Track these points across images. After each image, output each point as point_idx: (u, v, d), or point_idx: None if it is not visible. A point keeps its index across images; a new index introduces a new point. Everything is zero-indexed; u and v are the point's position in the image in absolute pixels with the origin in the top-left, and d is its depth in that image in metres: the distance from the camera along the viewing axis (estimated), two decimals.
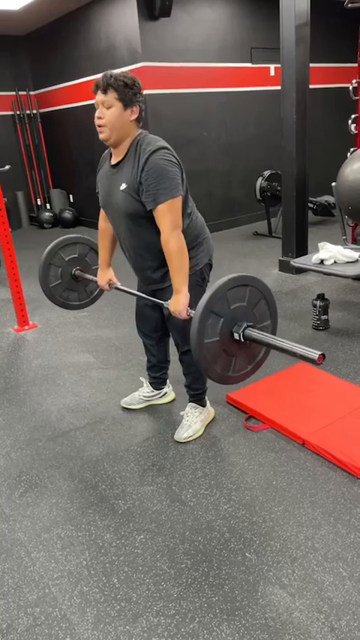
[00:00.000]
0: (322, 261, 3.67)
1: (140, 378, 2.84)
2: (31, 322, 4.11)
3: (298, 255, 4.70)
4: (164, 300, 2.19)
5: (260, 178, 6.25)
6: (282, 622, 1.58)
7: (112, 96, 1.99)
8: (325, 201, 6.76)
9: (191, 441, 2.49)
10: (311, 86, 4.72)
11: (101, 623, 1.63)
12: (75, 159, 7.64)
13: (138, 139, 2.07)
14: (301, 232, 4.97)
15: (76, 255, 2.70)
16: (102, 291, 2.69)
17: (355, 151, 4.16)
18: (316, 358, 1.58)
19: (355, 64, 4.59)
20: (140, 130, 2.11)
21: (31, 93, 8.08)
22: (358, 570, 1.74)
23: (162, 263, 2.15)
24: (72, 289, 2.76)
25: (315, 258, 3.70)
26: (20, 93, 7.97)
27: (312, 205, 6.70)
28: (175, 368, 2.71)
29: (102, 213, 2.39)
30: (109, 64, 6.34)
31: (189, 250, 2.20)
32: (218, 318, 1.73)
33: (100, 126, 2.04)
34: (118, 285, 2.49)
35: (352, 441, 2.32)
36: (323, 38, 6.62)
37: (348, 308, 4.02)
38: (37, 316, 4.22)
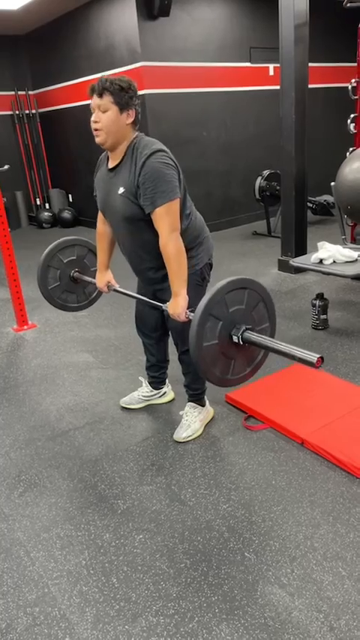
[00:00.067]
0: (321, 261, 3.67)
1: (139, 378, 2.84)
2: (30, 322, 4.11)
3: (297, 255, 4.70)
4: (165, 300, 2.20)
5: (259, 178, 6.25)
6: (281, 621, 1.58)
7: (107, 100, 1.99)
8: (325, 200, 6.76)
9: (190, 440, 2.49)
10: (310, 86, 4.72)
11: (100, 623, 1.63)
12: (74, 159, 7.64)
13: (134, 142, 2.07)
14: (300, 232, 4.97)
15: (75, 257, 2.70)
16: (100, 293, 2.69)
17: (354, 150, 4.16)
18: (314, 361, 1.58)
19: (354, 64, 4.59)
20: (136, 133, 2.10)
21: (30, 93, 8.08)
22: (358, 570, 1.74)
23: (162, 264, 2.15)
24: (70, 291, 2.76)
25: (314, 257, 3.70)
26: (19, 93, 7.97)
27: (311, 205, 6.70)
28: (174, 367, 2.71)
29: (100, 216, 2.39)
30: (109, 63, 6.34)
31: (189, 250, 2.21)
32: (217, 321, 1.74)
33: (96, 130, 2.04)
34: (117, 287, 2.49)
35: (351, 441, 2.32)
36: (322, 38, 6.62)
37: (347, 307, 4.02)
38: (36, 316, 4.22)
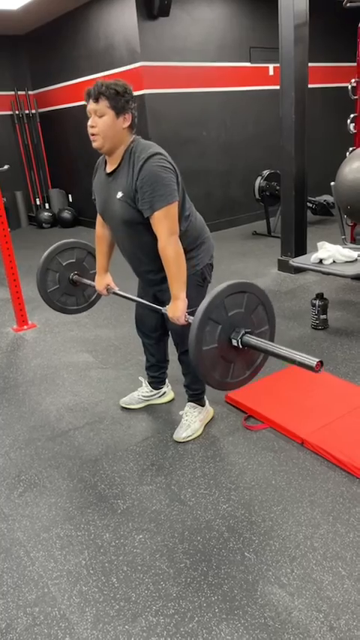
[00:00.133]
0: (320, 261, 3.67)
1: (139, 378, 2.84)
2: (30, 322, 4.11)
3: (297, 255, 4.70)
4: (165, 300, 2.20)
5: (259, 178, 6.25)
6: (281, 621, 1.58)
7: (103, 104, 1.99)
8: (324, 200, 6.76)
9: (190, 440, 2.49)
10: (310, 85, 4.72)
11: (100, 623, 1.63)
12: (74, 159, 7.64)
13: (132, 146, 2.07)
14: (300, 232, 4.97)
15: (74, 260, 2.70)
16: (100, 295, 2.69)
17: (353, 150, 4.16)
18: (314, 365, 1.58)
19: (354, 64, 4.59)
20: (133, 137, 2.10)
21: (30, 93, 8.08)
22: (357, 569, 1.74)
23: (161, 266, 2.14)
24: (70, 294, 2.76)
25: (314, 257, 3.70)
26: (19, 93, 7.97)
27: (311, 205, 6.70)
28: (174, 367, 2.71)
29: (99, 219, 2.40)
30: (108, 63, 6.34)
31: (190, 251, 2.21)
32: (216, 325, 1.74)
33: (93, 134, 2.04)
34: (116, 290, 2.49)
35: (351, 441, 2.32)
36: (322, 38, 6.62)
37: (347, 307, 4.02)
38: (36, 316, 4.22)
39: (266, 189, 6.20)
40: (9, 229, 3.87)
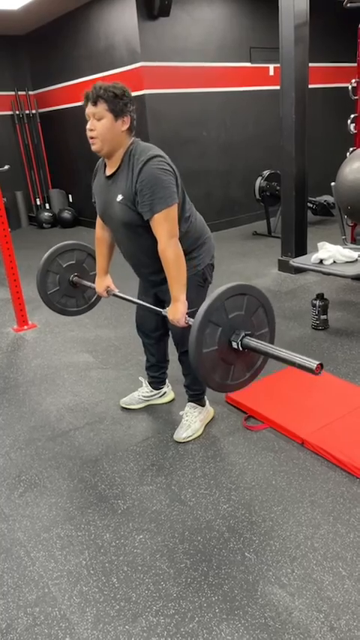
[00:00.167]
0: (321, 261, 3.67)
1: (139, 378, 2.84)
2: (30, 322, 4.11)
3: (298, 255, 4.70)
4: (166, 300, 2.20)
5: (259, 178, 6.25)
6: (281, 621, 1.58)
7: (102, 107, 1.99)
8: (325, 200, 6.76)
9: (190, 440, 2.49)
10: (310, 86, 4.72)
11: (101, 623, 1.63)
12: (74, 159, 7.64)
13: (131, 148, 2.07)
14: (300, 232, 4.97)
15: (74, 262, 2.70)
16: (99, 297, 2.69)
17: (354, 150, 4.16)
18: (314, 368, 1.58)
19: (354, 64, 4.59)
20: (132, 139, 2.10)
21: (31, 93, 8.08)
22: (358, 570, 1.74)
23: (162, 267, 2.14)
24: (70, 296, 2.76)
25: (314, 257, 3.70)
26: (19, 93, 7.97)
27: (311, 205, 6.70)
28: (174, 368, 2.71)
29: (98, 221, 2.40)
30: (109, 63, 6.34)
31: (191, 251, 2.22)
32: (216, 327, 1.74)
33: (91, 138, 2.05)
34: (116, 292, 2.49)
35: (352, 441, 2.32)
36: (322, 38, 6.62)
37: (347, 308, 4.02)
38: (36, 316, 4.22)
39: (266, 189, 6.20)
40: (9, 229, 3.88)
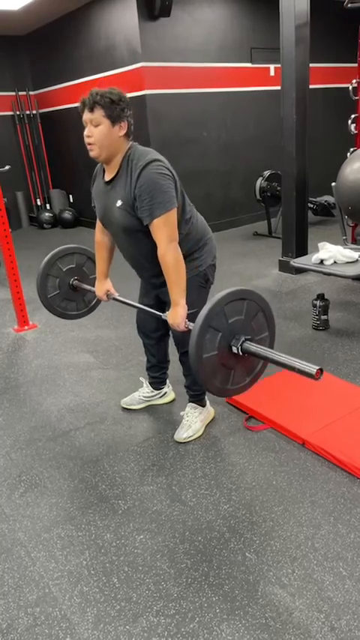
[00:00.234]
0: (321, 262, 3.67)
1: (140, 379, 2.84)
2: (31, 322, 4.12)
3: (298, 256, 4.70)
4: (168, 300, 2.20)
5: (260, 178, 6.25)
6: (282, 622, 1.58)
7: (99, 113, 1.99)
8: (325, 201, 6.76)
9: (191, 441, 2.49)
10: (311, 86, 4.72)
11: (101, 623, 1.63)
12: (75, 159, 7.64)
13: (129, 153, 2.07)
14: (301, 232, 4.97)
15: (74, 266, 2.70)
16: (99, 300, 2.70)
17: (354, 150, 4.16)
18: (313, 373, 1.58)
19: (355, 64, 4.59)
20: (130, 144, 2.10)
21: (31, 93, 8.09)
22: (358, 570, 1.74)
23: (162, 270, 2.15)
24: (70, 299, 2.76)
25: (315, 258, 3.70)
26: (20, 93, 7.97)
27: (312, 205, 6.70)
28: (174, 368, 2.72)
29: (98, 225, 2.40)
30: (109, 64, 6.35)
31: (193, 252, 2.22)
32: (216, 332, 1.74)
33: (89, 144, 2.05)
34: (116, 295, 2.49)
35: (352, 441, 2.32)
36: (323, 38, 6.62)
37: (348, 308, 4.02)
38: (37, 316, 4.22)
39: (267, 189, 6.20)
40: (10, 230, 3.88)
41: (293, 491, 2.12)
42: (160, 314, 2.20)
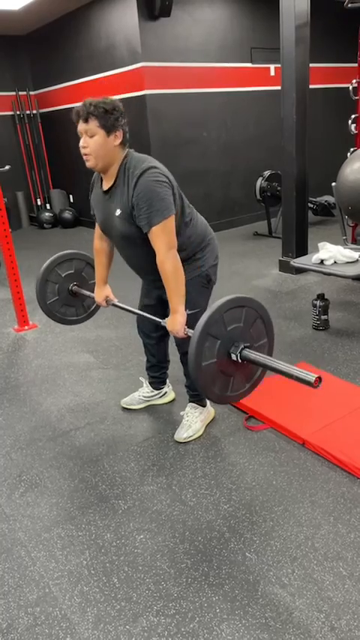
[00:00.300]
0: (322, 262, 3.67)
1: (140, 378, 2.84)
2: (31, 322, 4.12)
3: (298, 255, 4.70)
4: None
5: (260, 178, 6.25)
6: (282, 621, 1.58)
7: (93, 124, 1.99)
8: (325, 201, 6.76)
9: (191, 440, 2.49)
10: (311, 86, 4.72)
11: (101, 623, 1.63)
12: (75, 159, 7.57)
13: (125, 162, 2.07)
14: (301, 232, 4.97)
15: (73, 271, 2.70)
16: (99, 306, 2.70)
17: (355, 150, 4.16)
18: (312, 381, 1.59)
19: (355, 64, 4.60)
20: (126, 151, 2.10)
21: (31, 93, 8.09)
22: (358, 570, 1.74)
23: None
24: (69, 305, 2.76)
25: (315, 258, 3.70)
26: (20, 93, 7.97)
27: (312, 205, 6.70)
28: (175, 368, 2.72)
29: (97, 231, 2.40)
30: (109, 63, 6.35)
31: (195, 253, 2.22)
32: (215, 340, 1.74)
33: (85, 155, 2.06)
34: (115, 301, 2.49)
35: (352, 441, 2.32)
36: (323, 38, 6.62)
37: (348, 308, 4.02)
38: (37, 316, 4.22)
39: (267, 189, 6.20)
40: (10, 229, 3.88)
41: (293, 491, 2.12)
42: (160, 320, 2.21)
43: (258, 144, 7.01)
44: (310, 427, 2.45)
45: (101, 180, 2.18)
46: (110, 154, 2.05)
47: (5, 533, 2.02)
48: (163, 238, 2.02)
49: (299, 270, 4.69)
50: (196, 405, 2.56)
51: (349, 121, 4.49)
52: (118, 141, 2.04)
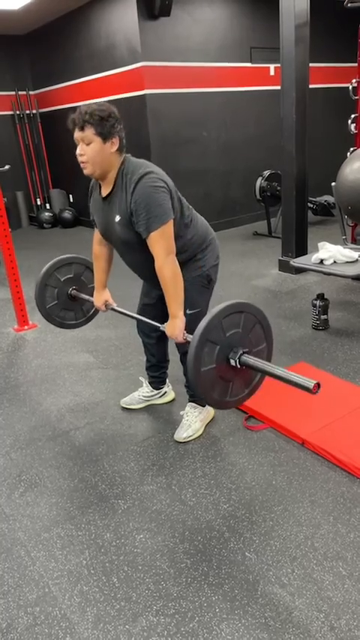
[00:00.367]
0: (321, 261, 3.67)
1: (140, 378, 2.84)
2: (30, 322, 4.11)
3: (298, 255, 4.70)
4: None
5: (260, 178, 6.25)
6: (282, 621, 1.58)
7: (89, 132, 1.99)
8: (325, 201, 6.76)
9: (191, 440, 2.49)
10: (311, 86, 4.72)
11: (101, 623, 1.63)
12: (75, 159, 7.56)
13: (122, 168, 2.07)
14: (300, 232, 4.97)
15: (72, 275, 2.70)
16: (98, 310, 2.70)
17: (354, 150, 4.17)
18: (311, 387, 1.58)
19: (355, 64, 4.60)
20: (123, 157, 2.10)
21: (31, 93, 8.09)
22: (358, 569, 1.74)
23: None
24: (68, 309, 2.76)
25: (315, 258, 3.70)
26: (20, 93, 7.97)
27: (312, 205, 6.70)
28: (174, 368, 2.72)
29: (96, 236, 2.40)
30: (109, 63, 6.35)
31: (196, 254, 2.22)
32: (214, 345, 1.74)
33: (82, 162, 2.06)
34: (114, 306, 2.50)
35: (352, 441, 2.32)
36: (323, 38, 6.62)
37: (348, 308, 4.02)
38: (37, 316, 4.20)
39: (267, 189, 6.20)
40: (10, 229, 3.88)
41: (293, 490, 2.12)
42: (159, 325, 2.21)
43: (258, 143, 7.00)
44: (309, 427, 2.45)
45: (100, 187, 2.18)
46: (107, 161, 2.05)
47: (5, 532, 2.02)
48: (161, 244, 2.02)
49: (299, 270, 4.69)
50: (195, 404, 2.56)
51: (349, 121, 4.49)
52: (115, 147, 2.04)
